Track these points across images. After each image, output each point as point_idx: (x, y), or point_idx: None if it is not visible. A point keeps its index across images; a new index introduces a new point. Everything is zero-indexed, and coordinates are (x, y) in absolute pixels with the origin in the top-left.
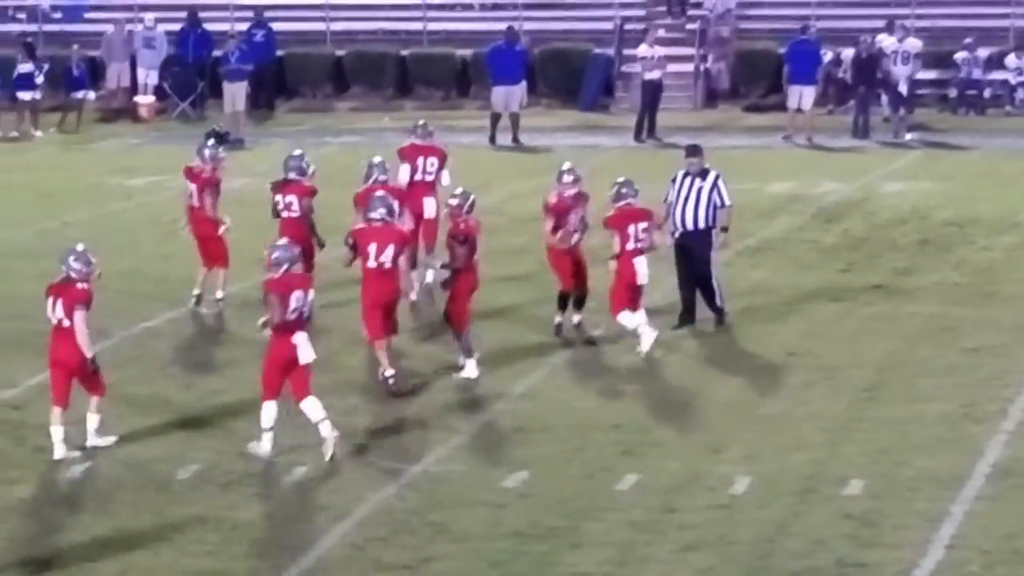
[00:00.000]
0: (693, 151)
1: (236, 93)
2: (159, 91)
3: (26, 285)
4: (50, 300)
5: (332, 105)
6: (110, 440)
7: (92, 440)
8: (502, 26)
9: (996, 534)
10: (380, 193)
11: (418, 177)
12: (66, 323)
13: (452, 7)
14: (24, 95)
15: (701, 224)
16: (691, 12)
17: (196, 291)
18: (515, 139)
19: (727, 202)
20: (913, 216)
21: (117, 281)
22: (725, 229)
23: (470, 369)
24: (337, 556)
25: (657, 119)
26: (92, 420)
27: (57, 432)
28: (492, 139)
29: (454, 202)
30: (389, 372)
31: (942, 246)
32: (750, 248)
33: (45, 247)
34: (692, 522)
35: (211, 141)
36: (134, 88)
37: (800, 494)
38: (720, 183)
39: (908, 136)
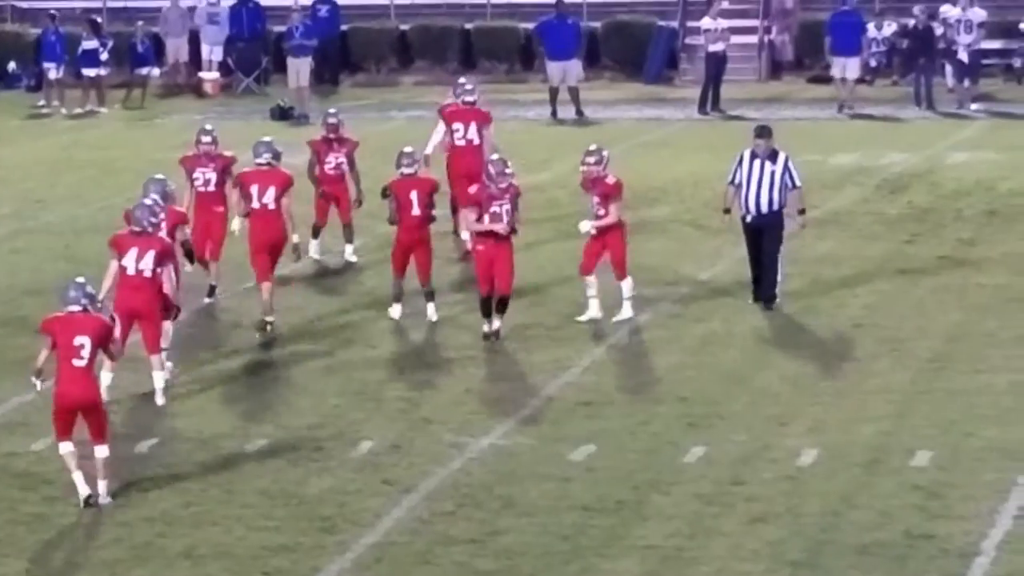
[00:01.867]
0: (762, 132)
1: (300, 68)
2: (223, 67)
3: (92, 262)
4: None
5: (396, 79)
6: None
7: (161, 400)
8: None
9: None
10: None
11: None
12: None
13: None
14: (89, 71)
15: (775, 207)
16: None
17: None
18: (578, 112)
19: (798, 183)
20: (978, 187)
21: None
22: (802, 211)
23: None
24: (403, 530)
25: (721, 91)
26: (158, 379)
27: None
28: (553, 113)
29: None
30: (270, 319)
31: (1008, 216)
32: (815, 220)
33: (111, 224)
34: (759, 494)
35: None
36: (195, 63)
37: (867, 466)
38: (791, 165)
39: (973, 107)
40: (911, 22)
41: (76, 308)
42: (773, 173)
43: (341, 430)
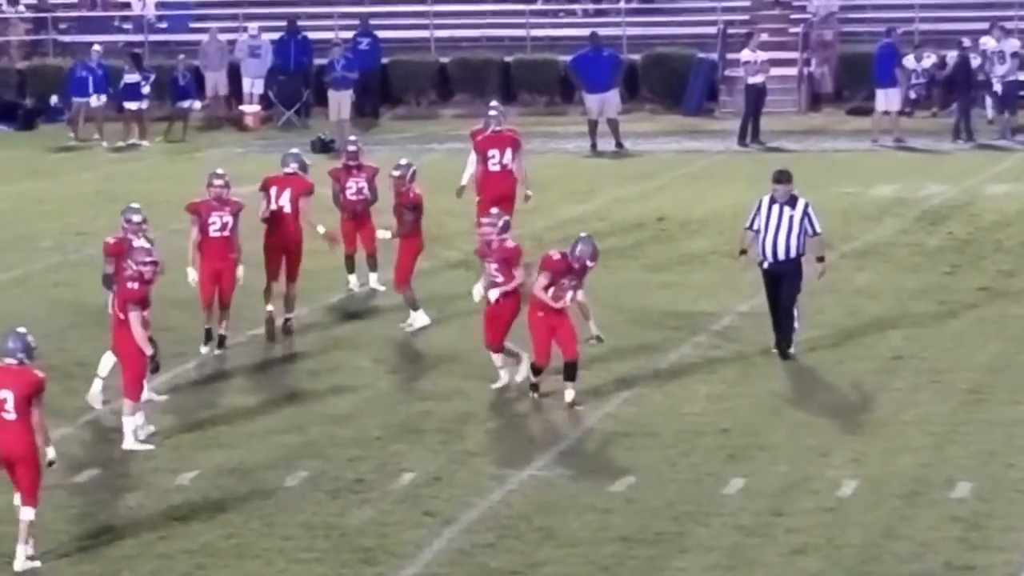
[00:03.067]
0: (781, 177)
1: (341, 101)
2: (264, 100)
3: None
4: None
5: (437, 112)
6: (149, 447)
7: (128, 444)
8: (605, 32)
9: None
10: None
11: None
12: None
13: (555, 13)
14: (131, 105)
15: (793, 253)
16: (794, 16)
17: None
18: (618, 144)
19: (819, 230)
20: (1019, 218)
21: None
22: (822, 259)
23: (419, 319)
24: (444, 562)
25: (761, 123)
26: (128, 424)
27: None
28: (593, 146)
29: (396, 173)
30: (290, 315)
31: None
32: (855, 251)
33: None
34: (800, 525)
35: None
36: (236, 96)
37: (907, 497)
38: (811, 211)
39: (1013, 138)
40: (949, 54)
41: (11, 361)
42: (792, 219)
43: (383, 462)
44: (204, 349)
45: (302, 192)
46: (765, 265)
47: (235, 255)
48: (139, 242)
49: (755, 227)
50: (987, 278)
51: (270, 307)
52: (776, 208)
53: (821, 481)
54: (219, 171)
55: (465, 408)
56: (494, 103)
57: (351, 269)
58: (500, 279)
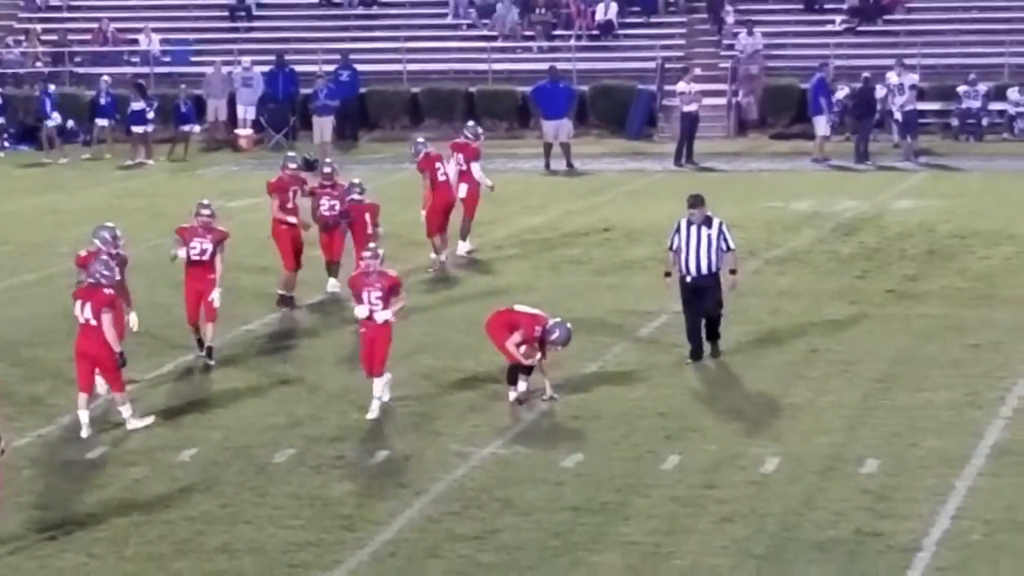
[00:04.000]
0: (695, 202)
1: (324, 126)
2: (256, 124)
3: (139, 295)
4: (78, 303)
5: (409, 136)
6: (148, 420)
7: (131, 424)
8: (558, 66)
9: (996, 506)
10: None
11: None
12: (93, 322)
13: (514, 49)
14: (137, 129)
15: (712, 268)
16: (724, 52)
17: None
18: (569, 165)
19: (732, 246)
20: (920, 230)
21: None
22: (734, 272)
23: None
24: (415, 528)
25: (694, 146)
26: (125, 411)
27: (83, 416)
28: (547, 165)
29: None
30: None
31: (946, 255)
32: (777, 258)
33: (157, 261)
34: (728, 497)
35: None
36: (233, 122)
37: (822, 472)
38: (725, 229)
39: (916, 160)
40: (858, 86)
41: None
42: (709, 237)
43: (361, 440)
44: (211, 362)
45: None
46: (688, 279)
47: (213, 277)
48: (104, 256)
49: (675, 247)
50: (893, 282)
51: (285, 291)
52: (694, 229)
53: (747, 458)
54: (205, 201)
55: (433, 393)
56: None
57: (330, 273)
58: (380, 307)
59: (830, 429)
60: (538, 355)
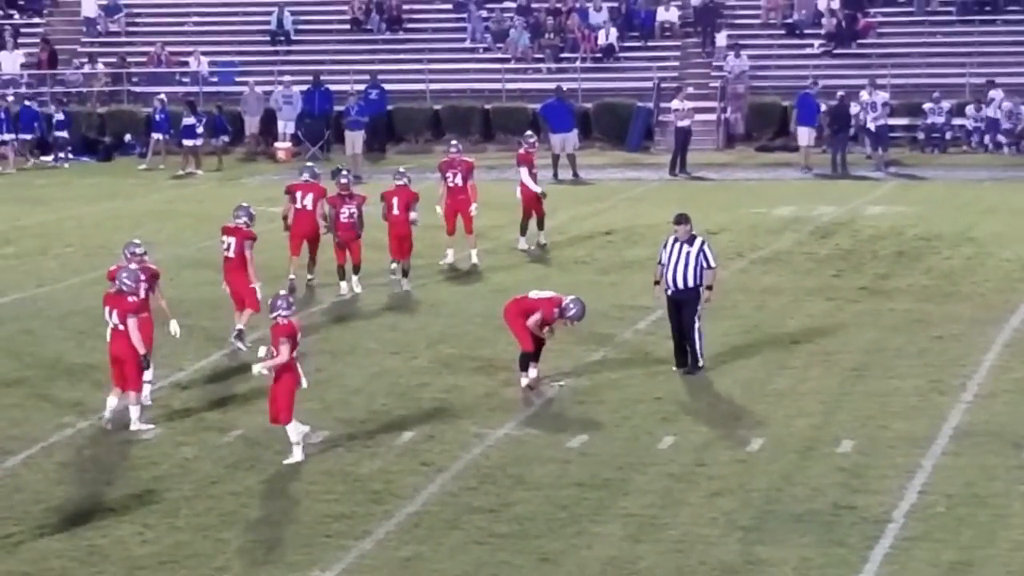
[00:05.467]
0: (680, 220)
1: (355, 139)
2: (294, 138)
3: (192, 290)
4: (107, 309)
5: (431, 148)
6: (151, 427)
7: (135, 426)
8: (567, 85)
9: (958, 483)
10: (309, 163)
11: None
12: (120, 327)
13: (525, 71)
14: (188, 142)
15: (691, 283)
16: (714, 73)
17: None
18: (575, 174)
19: (712, 264)
20: (890, 233)
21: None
22: (710, 288)
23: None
24: (436, 502)
25: (687, 158)
26: (134, 411)
27: (111, 403)
28: (555, 175)
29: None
30: (310, 276)
31: (914, 256)
32: (761, 258)
33: (207, 260)
34: (718, 474)
35: (244, 204)
36: (272, 135)
37: (802, 452)
38: (706, 248)
39: (887, 170)
40: (834, 104)
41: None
42: (689, 254)
43: (387, 423)
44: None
45: (322, 195)
46: (669, 292)
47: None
48: (132, 267)
49: (661, 261)
50: (866, 280)
51: (292, 276)
52: (678, 245)
53: (734, 439)
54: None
55: (453, 381)
56: (453, 142)
57: (342, 276)
58: (273, 353)
59: (809, 413)
60: (546, 331)
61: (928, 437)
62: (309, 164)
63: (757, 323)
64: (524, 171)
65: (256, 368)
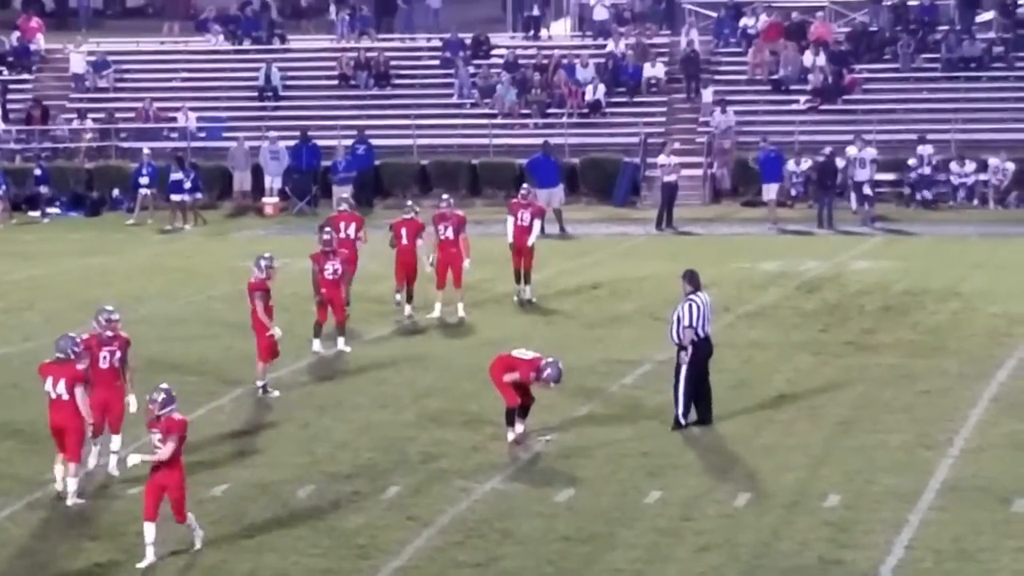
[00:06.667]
0: (693, 279)
1: (343, 194)
2: (281, 193)
3: (178, 345)
4: (50, 378)
5: (418, 203)
6: (81, 501)
7: (71, 499)
8: (554, 140)
9: (945, 537)
10: (345, 194)
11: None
12: (65, 397)
13: (512, 126)
14: (175, 197)
15: (675, 340)
16: (700, 128)
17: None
18: (561, 229)
19: (685, 323)
20: (877, 288)
21: (250, 344)
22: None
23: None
24: (423, 557)
25: (674, 212)
26: (71, 483)
27: (59, 473)
28: (542, 229)
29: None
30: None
31: (900, 311)
32: (748, 313)
33: (194, 315)
34: (704, 528)
35: (267, 254)
36: (259, 190)
37: (789, 506)
38: (681, 307)
39: (872, 225)
40: (820, 159)
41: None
42: (679, 312)
43: (374, 477)
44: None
45: (362, 224)
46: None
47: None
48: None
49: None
50: (852, 334)
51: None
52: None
53: (721, 493)
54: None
55: (440, 435)
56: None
57: (317, 335)
58: (161, 448)
59: (796, 467)
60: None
61: (915, 492)
62: (345, 195)
63: (743, 378)
64: (523, 213)
65: (132, 460)
